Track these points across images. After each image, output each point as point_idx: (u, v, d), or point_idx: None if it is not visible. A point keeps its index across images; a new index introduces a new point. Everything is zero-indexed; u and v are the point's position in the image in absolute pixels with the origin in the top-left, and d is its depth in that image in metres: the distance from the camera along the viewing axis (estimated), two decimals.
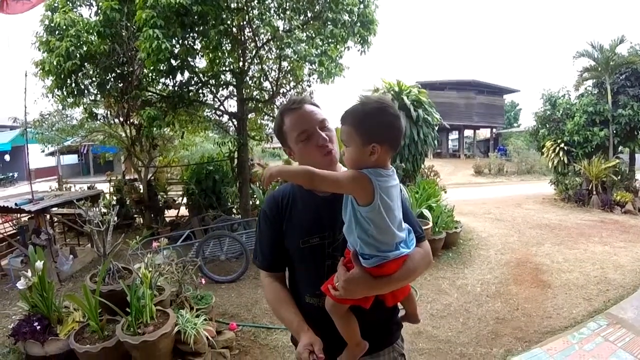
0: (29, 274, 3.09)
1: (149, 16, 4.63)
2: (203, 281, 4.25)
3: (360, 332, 1.28)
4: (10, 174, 21.96)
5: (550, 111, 12.92)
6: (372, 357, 1.39)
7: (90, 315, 2.98)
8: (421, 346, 3.69)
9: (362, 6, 6.05)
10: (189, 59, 5.67)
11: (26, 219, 5.55)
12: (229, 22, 5.48)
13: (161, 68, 5.06)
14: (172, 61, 5.32)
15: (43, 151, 10.82)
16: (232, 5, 5.40)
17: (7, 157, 22.31)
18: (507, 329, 3.99)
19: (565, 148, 12.10)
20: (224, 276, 5.40)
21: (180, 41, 5.32)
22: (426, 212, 6.33)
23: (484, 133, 34.61)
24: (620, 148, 12.36)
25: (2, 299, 4.74)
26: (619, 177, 11.11)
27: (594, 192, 10.95)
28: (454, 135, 35.09)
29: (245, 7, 5.55)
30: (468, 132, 33.95)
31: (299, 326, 1.31)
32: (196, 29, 5.22)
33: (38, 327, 3.02)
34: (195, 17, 4.94)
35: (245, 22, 5.87)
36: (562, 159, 12.10)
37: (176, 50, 5.19)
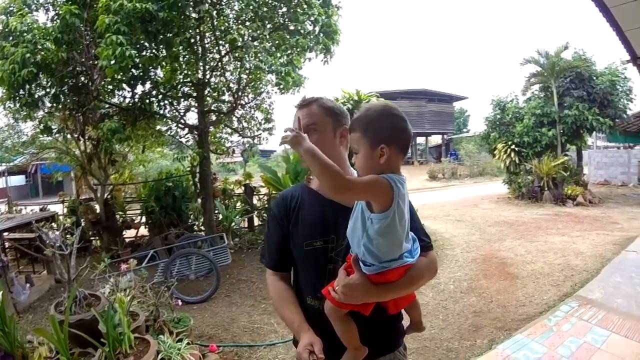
0: None
1: (112, 21, 4.40)
2: (180, 302, 4.02)
3: (360, 337, 1.26)
4: None
5: (500, 115, 13.72)
6: None
7: (60, 349, 2.69)
8: (408, 346, 3.68)
9: (325, 16, 6.10)
10: (151, 69, 5.43)
11: None
12: (191, 31, 5.32)
13: (122, 77, 4.80)
14: (134, 70, 5.07)
15: None
16: (194, 15, 5.25)
17: None
18: (485, 320, 4.11)
19: (516, 149, 12.88)
20: (194, 296, 5.13)
21: (143, 49, 5.10)
22: None
23: (436, 139, 35.93)
24: (567, 146, 13.39)
25: None
26: (568, 173, 11.98)
27: (546, 188, 11.68)
28: None
29: (205, 17, 5.42)
30: (420, 139, 35.08)
31: (299, 326, 1.31)
32: (160, 37, 5.01)
33: None
34: (160, 24, 4.75)
35: (209, 31, 5.74)
36: (513, 159, 12.84)
37: (138, 59, 4.94)
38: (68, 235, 3.53)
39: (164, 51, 5.50)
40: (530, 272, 5.49)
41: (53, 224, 5.94)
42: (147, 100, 5.80)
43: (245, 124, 7.90)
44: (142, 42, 4.86)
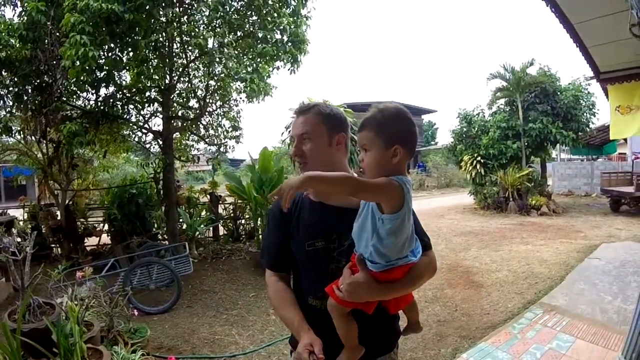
0: None
1: (77, 21, 4.28)
2: (135, 312, 3.89)
3: (360, 338, 1.28)
4: None
5: (467, 128, 14.14)
6: None
7: (11, 359, 2.55)
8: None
9: (293, 26, 6.14)
10: (115, 72, 5.29)
11: None
12: (158, 34, 5.22)
13: (85, 79, 4.65)
14: (98, 72, 4.92)
15: None
16: (163, 19, 5.17)
17: None
18: (450, 329, 4.14)
19: (482, 161, 13.28)
20: (155, 306, 4.96)
21: (108, 51, 4.97)
22: None
23: None
24: (532, 158, 13.93)
25: None
26: (532, 184, 12.46)
27: (511, 199, 12.10)
28: None
29: (174, 21, 5.34)
30: None
31: (299, 326, 1.31)
32: (126, 39, 4.89)
33: None
34: (126, 26, 4.64)
35: (175, 36, 5.67)
36: (479, 171, 13.22)
37: (102, 61, 4.83)
38: (25, 241, 3.37)
39: (130, 54, 5.40)
40: (494, 280, 5.60)
41: (13, 229, 5.67)
42: (111, 104, 5.63)
43: (212, 132, 7.82)
44: (107, 43, 4.75)
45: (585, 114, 12.73)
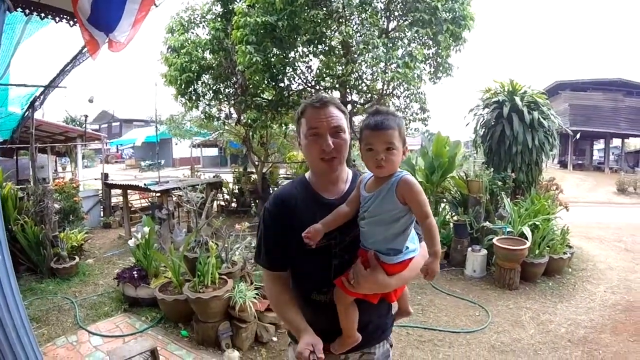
0: (139, 235, 4.13)
1: (242, 34, 5.47)
2: None
3: (363, 327, 1.40)
4: (158, 161, 27.07)
5: None
6: (371, 349, 1.52)
7: (172, 273, 3.85)
8: None
9: (451, 2, 5.87)
10: (288, 67, 6.36)
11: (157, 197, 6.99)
12: (311, 33, 5.82)
13: (261, 77, 5.83)
14: (273, 70, 6.04)
15: (177, 144, 13.25)
16: (329, 16, 5.70)
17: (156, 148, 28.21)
18: None
19: None
20: None
21: (275, 53, 5.92)
22: (526, 231, 5.44)
23: (635, 143, 27.92)
24: None
25: (126, 254, 5.87)
26: None
27: None
28: (600, 144, 29.12)
29: (334, 17, 5.80)
30: (616, 141, 27.73)
31: (300, 326, 1.36)
32: (290, 40, 5.84)
33: (136, 276, 4.04)
34: (285, 31, 5.55)
35: (332, 31, 6.14)
36: None
37: (273, 60, 5.85)
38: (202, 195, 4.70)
39: (293, 53, 6.27)
40: None
41: (223, 188, 7.71)
42: (287, 93, 6.76)
43: (401, 114, 7.97)
44: (269, 48, 5.72)
45: None
